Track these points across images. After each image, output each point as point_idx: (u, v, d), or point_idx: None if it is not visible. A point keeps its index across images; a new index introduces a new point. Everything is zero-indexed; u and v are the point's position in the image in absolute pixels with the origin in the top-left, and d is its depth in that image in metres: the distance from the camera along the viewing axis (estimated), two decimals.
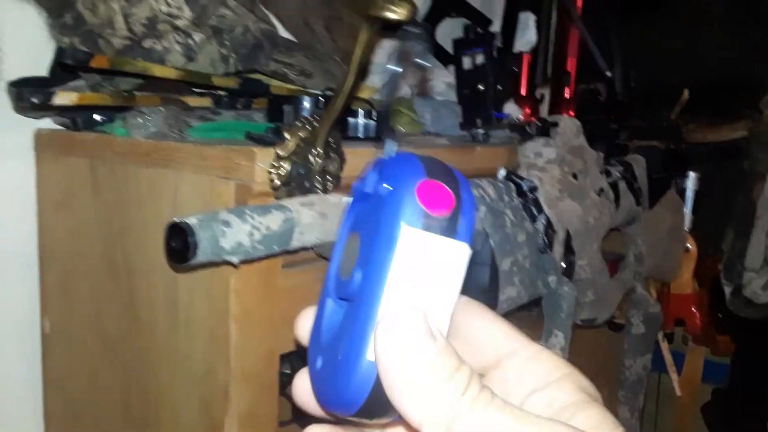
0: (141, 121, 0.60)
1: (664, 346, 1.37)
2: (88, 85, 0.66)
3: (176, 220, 0.43)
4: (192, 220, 0.43)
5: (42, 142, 0.74)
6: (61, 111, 0.71)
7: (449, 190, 0.23)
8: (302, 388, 0.26)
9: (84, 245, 0.71)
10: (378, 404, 0.21)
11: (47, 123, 0.76)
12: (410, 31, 0.96)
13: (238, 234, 0.45)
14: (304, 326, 0.27)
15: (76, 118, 0.69)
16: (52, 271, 0.76)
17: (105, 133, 0.67)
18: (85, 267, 0.71)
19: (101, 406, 0.72)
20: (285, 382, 0.84)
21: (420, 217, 0.22)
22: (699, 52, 1.46)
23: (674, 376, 1.42)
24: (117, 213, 0.66)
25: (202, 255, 0.43)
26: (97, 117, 0.69)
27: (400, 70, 0.98)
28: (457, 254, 0.22)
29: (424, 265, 0.22)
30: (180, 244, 0.43)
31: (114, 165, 0.65)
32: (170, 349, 0.63)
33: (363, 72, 0.50)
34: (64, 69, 0.61)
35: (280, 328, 0.61)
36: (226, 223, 0.44)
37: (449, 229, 0.22)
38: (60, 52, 0.49)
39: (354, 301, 0.23)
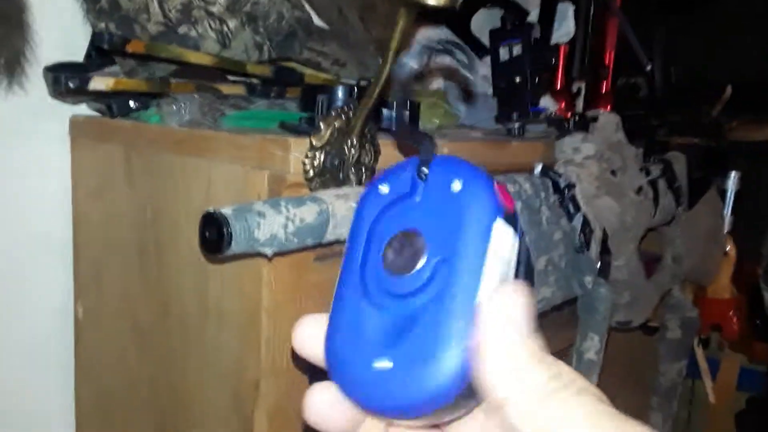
0: (175, 108, 0.60)
1: (699, 351, 1.33)
2: (124, 72, 0.66)
3: (211, 210, 0.42)
4: (227, 211, 0.42)
5: (77, 128, 0.74)
6: (97, 97, 0.71)
7: (507, 189, 0.25)
8: (322, 403, 0.24)
9: (117, 233, 0.71)
10: (468, 393, 0.22)
11: (83, 109, 0.76)
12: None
13: (272, 225, 0.44)
14: (310, 334, 0.26)
15: (112, 104, 0.69)
16: (86, 258, 0.76)
17: (140, 120, 0.67)
18: (117, 255, 0.71)
19: (130, 395, 0.72)
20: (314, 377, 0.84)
21: (503, 213, 0.24)
22: (743, 47, 1.41)
23: (708, 383, 1.38)
24: (150, 201, 0.65)
25: (236, 246, 0.42)
26: (132, 104, 0.69)
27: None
28: (517, 248, 0.25)
29: (505, 257, 0.24)
30: (214, 235, 0.42)
31: (148, 153, 0.65)
32: (200, 340, 0.62)
33: (397, 60, 0.48)
34: (100, 54, 0.61)
35: None
36: (261, 215, 0.43)
37: (515, 225, 0.24)
38: (97, 36, 0.48)
39: (430, 295, 0.23)
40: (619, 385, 1.27)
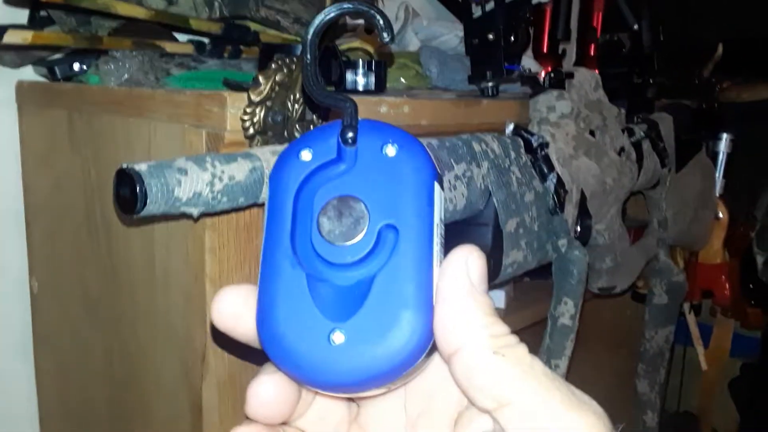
0: (113, 67, 0.56)
1: (691, 317, 1.31)
2: (63, 31, 0.62)
3: (124, 166, 0.39)
4: (142, 167, 0.39)
5: (23, 93, 0.71)
6: (39, 59, 0.67)
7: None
8: (265, 393, 0.23)
9: (66, 202, 0.68)
10: (429, 352, 0.22)
11: (30, 75, 0.72)
12: None
13: (195, 183, 0.40)
14: (234, 312, 0.24)
15: (54, 67, 0.65)
16: (38, 230, 0.74)
17: (82, 82, 0.63)
18: (67, 225, 0.68)
19: (87, 365, 0.70)
20: None
21: (437, 176, 0.24)
22: (735, 4, 1.35)
23: (700, 350, 1.36)
24: (94, 166, 0.62)
25: (153, 205, 0.39)
26: (76, 66, 0.66)
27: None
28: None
29: (441, 217, 0.24)
30: (128, 193, 0.38)
31: (90, 116, 0.62)
32: (149, 310, 0.60)
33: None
34: (35, 9, 0.57)
35: None
36: (182, 171, 0.40)
37: (442, 185, 0.25)
38: None
39: (380, 261, 0.23)
40: (608, 351, 1.25)
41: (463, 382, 0.21)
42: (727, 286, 1.28)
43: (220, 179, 0.42)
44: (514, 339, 0.22)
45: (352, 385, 0.22)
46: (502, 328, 0.22)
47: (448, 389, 0.24)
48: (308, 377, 0.22)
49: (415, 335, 0.22)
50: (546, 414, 0.20)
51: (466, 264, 0.22)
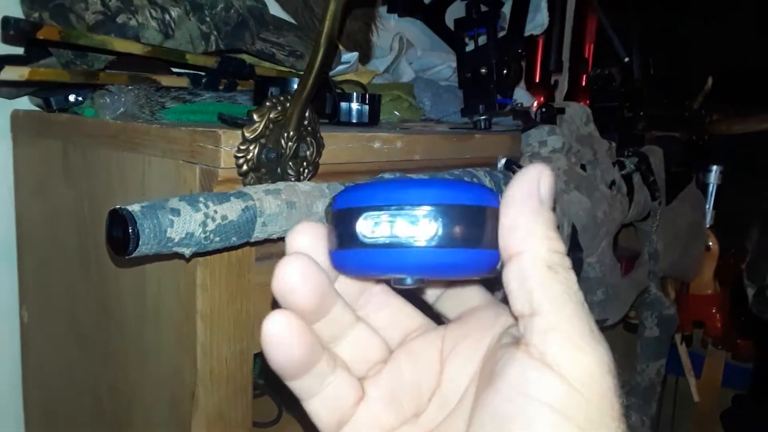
0: (108, 100, 0.56)
1: (683, 349, 1.31)
2: (60, 63, 0.62)
3: (117, 207, 0.39)
4: (135, 208, 0.39)
5: (18, 123, 0.71)
6: (36, 91, 0.68)
7: None
8: (294, 272, 0.24)
9: (58, 233, 0.68)
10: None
11: (26, 105, 0.73)
12: None
13: (187, 224, 0.41)
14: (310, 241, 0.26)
15: (50, 97, 0.65)
16: (30, 260, 0.73)
17: (77, 114, 0.64)
18: (59, 256, 0.68)
19: (75, 400, 0.69)
20: (273, 380, 0.80)
21: None
22: (725, 37, 1.38)
23: (692, 381, 1.35)
24: (87, 198, 0.62)
25: (145, 246, 0.39)
26: (72, 98, 0.66)
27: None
28: None
29: None
30: (121, 234, 0.38)
31: (85, 148, 0.62)
32: (139, 345, 0.59)
33: (333, 46, 0.45)
34: (30, 45, 0.58)
35: (254, 326, 0.57)
36: (175, 212, 0.40)
37: None
38: (3, 22, 0.45)
39: None
40: None
41: (512, 283, 0.23)
42: (719, 317, 1.28)
43: (213, 219, 0.42)
44: (568, 261, 0.23)
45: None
46: (560, 246, 0.23)
47: (480, 333, 0.26)
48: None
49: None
50: (568, 338, 0.21)
51: (539, 178, 0.23)
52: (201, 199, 0.42)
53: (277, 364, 0.24)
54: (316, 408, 0.26)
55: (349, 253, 0.24)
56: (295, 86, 0.69)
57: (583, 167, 0.83)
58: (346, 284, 0.28)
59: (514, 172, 0.73)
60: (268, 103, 0.50)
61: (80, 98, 0.66)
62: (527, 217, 0.23)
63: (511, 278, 0.23)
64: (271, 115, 0.50)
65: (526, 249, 0.22)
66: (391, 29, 1.19)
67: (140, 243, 0.38)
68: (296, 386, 0.25)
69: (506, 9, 1.07)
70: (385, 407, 0.27)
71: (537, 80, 1.32)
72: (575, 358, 0.21)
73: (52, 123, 0.66)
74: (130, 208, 0.39)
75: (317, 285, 0.24)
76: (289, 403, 0.75)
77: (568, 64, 1.43)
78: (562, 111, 0.79)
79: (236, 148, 0.49)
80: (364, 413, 0.26)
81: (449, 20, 1.28)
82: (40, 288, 0.72)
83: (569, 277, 0.23)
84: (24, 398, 0.77)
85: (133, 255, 0.39)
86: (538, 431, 0.20)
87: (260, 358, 0.80)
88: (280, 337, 0.24)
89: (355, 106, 0.76)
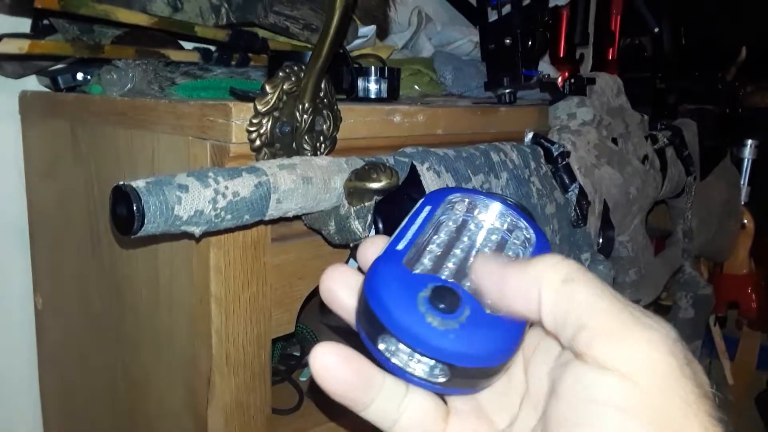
0: (116, 76, 0.54)
1: (716, 330, 1.26)
2: (66, 39, 0.60)
3: (121, 183, 0.36)
4: (139, 184, 0.36)
5: (26, 104, 0.69)
6: (43, 70, 0.65)
7: None
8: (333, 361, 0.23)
9: (69, 216, 0.66)
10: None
11: (34, 85, 0.70)
12: None
13: (196, 200, 0.38)
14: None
15: (57, 76, 0.63)
16: (42, 245, 0.72)
17: (85, 92, 0.61)
18: (71, 240, 0.66)
19: (91, 386, 0.67)
20: (293, 366, 0.78)
21: None
22: (758, 6, 1.31)
23: (726, 363, 1.31)
24: (97, 179, 0.60)
25: (151, 224, 0.36)
26: (79, 76, 0.64)
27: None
28: None
29: None
30: (125, 212, 0.36)
31: (93, 127, 0.59)
32: (153, 330, 0.57)
33: (349, 8, 0.42)
34: (38, 18, 0.55)
35: (272, 309, 0.54)
36: (183, 188, 0.37)
37: None
38: None
39: None
40: None
41: (548, 323, 0.22)
42: (754, 297, 1.23)
43: (224, 196, 0.39)
44: (570, 261, 0.22)
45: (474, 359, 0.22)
46: (554, 258, 0.22)
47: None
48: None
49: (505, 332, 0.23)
50: (609, 334, 0.20)
51: (479, 265, 0.24)
52: (210, 174, 0.39)
53: (333, 394, 0.23)
54: None
55: (374, 350, 0.23)
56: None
57: (614, 141, 0.79)
58: None
59: (542, 147, 0.70)
60: (281, 74, 0.47)
61: (88, 76, 0.63)
62: (507, 281, 0.22)
63: (545, 322, 0.22)
64: (284, 87, 0.47)
65: (537, 289, 0.22)
66: (408, 4, 1.15)
67: (145, 221, 0.36)
68: (371, 416, 0.24)
69: None
70: (477, 420, 0.25)
71: (561, 54, 1.27)
72: (624, 352, 0.20)
73: (60, 102, 0.64)
74: (134, 184, 0.36)
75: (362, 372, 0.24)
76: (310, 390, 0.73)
77: (593, 38, 1.38)
78: (592, 81, 0.75)
79: (248, 122, 0.46)
80: (455, 430, 0.25)
81: None
82: (53, 274, 0.70)
83: (586, 276, 0.21)
84: (40, 385, 0.76)
85: (139, 234, 0.36)
86: None
87: (279, 344, 0.78)
88: (326, 365, 0.23)
89: (373, 80, 0.72)
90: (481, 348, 0.22)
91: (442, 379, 0.22)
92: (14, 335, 0.76)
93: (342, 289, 0.25)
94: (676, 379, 0.19)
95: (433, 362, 0.22)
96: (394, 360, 0.22)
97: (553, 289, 0.21)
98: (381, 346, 0.22)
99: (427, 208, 0.27)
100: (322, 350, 0.23)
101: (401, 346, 0.22)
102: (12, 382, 0.76)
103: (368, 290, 0.22)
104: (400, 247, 0.24)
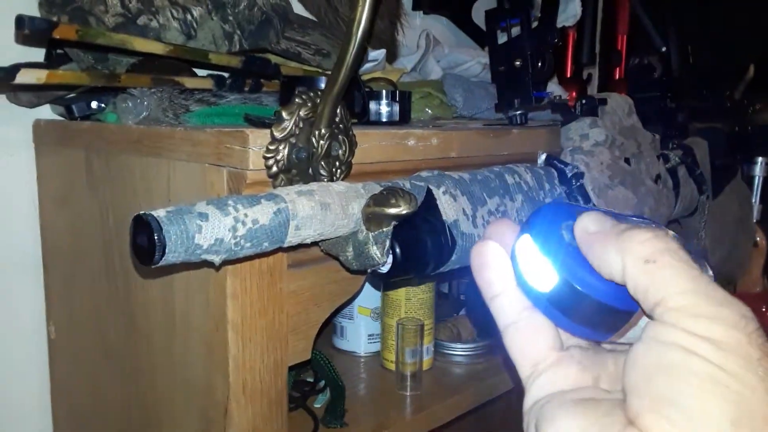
0: (130, 104, 0.54)
1: None
2: (81, 68, 0.60)
3: (141, 213, 0.36)
4: (160, 213, 0.36)
5: (40, 133, 0.69)
6: (57, 99, 0.66)
7: None
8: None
9: (84, 245, 0.65)
10: None
11: (48, 114, 0.71)
12: None
13: (217, 229, 0.38)
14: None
15: (71, 105, 0.63)
16: (56, 274, 0.71)
17: (100, 121, 0.62)
18: (85, 269, 0.66)
19: (104, 415, 0.66)
20: (307, 393, 0.77)
21: None
22: (765, 23, 1.32)
23: None
24: (112, 207, 0.60)
25: (172, 254, 0.36)
26: (94, 105, 0.64)
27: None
28: None
29: None
30: (146, 242, 0.36)
31: (108, 156, 0.60)
32: (167, 358, 0.57)
33: (367, 35, 0.42)
34: (51, 47, 0.56)
35: (288, 336, 0.54)
36: (203, 216, 0.37)
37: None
38: (17, 21, 0.43)
39: None
40: None
41: (637, 295, 0.23)
42: None
43: (243, 224, 0.39)
44: (655, 238, 0.23)
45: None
46: (645, 235, 0.23)
47: None
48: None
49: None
50: (698, 310, 0.21)
51: (583, 221, 0.25)
52: (230, 202, 0.39)
53: (480, 264, 0.27)
54: (511, 339, 0.27)
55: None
56: (322, 85, 0.66)
57: (627, 161, 0.79)
58: None
59: (555, 168, 0.70)
60: (297, 100, 0.47)
61: (103, 104, 0.64)
62: (602, 243, 0.24)
63: (633, 292, 0.23)
64: (300, 113, 0.47)
65: (621, 264, 0.23)
66: (416, 27, 1.16)
67: (166, 251, 0.35)
68: (495, 306, 0.27)
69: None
70: (582, 371, 0.26)
71: (568, 74, 1.27)
72: (709, 322, 0.21)
73: (75, 131, 0.64)
74: (155, 213, 0.36)
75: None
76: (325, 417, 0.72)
77: (599, 58, 1.38)
78: (604, 102, 0.75)
79: (265, 149, 0.46)
80: (558, 367, 0.26)
81: (475, 17, 1.25)
82: (66, 302, 0.70)
83: (669, 257, 0.22)
84: (53, 415, 0.75)
85: (160, 264, 0.36)
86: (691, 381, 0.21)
87: (293, 371, 0.77)
88: (489, 242, 0.27)
89: (384, 103, 0.72)
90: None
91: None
92: (27, 365, 0.75)
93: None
94: (753, 340, 0.21)
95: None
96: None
97: (634, 266, 0.23)
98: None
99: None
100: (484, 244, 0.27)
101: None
102: (24, 411, 0.76)
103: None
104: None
